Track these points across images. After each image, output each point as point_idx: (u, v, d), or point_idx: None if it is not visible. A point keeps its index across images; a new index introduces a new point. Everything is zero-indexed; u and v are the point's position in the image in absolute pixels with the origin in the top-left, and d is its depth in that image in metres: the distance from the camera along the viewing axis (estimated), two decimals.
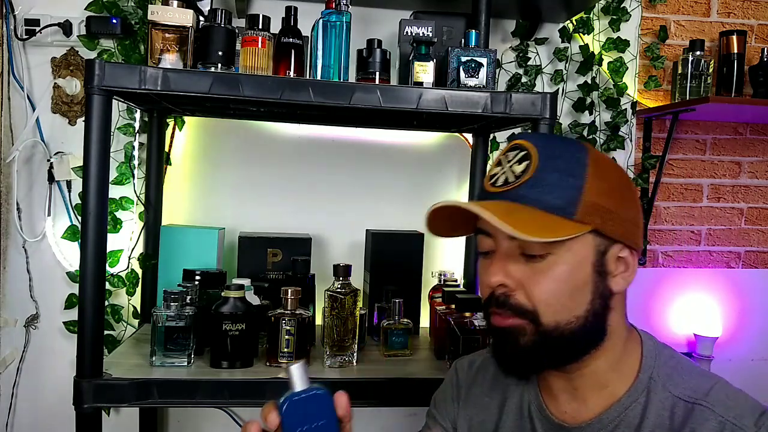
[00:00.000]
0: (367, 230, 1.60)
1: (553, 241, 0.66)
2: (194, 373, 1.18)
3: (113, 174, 1.53)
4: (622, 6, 1.78)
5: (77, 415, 1.10)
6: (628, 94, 1.81)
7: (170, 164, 1.63)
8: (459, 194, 1.75)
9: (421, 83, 1.24)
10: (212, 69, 1.16)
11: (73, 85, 1.58)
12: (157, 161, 1.55)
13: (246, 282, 1.28)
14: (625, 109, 1.80)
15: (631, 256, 0.72)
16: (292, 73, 1.25)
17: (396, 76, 1.37)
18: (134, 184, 1.59)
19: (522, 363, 0.71)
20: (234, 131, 1.66)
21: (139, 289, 1.58)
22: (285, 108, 1.41)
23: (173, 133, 1.63)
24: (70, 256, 1.59)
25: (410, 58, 1.27)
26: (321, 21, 1.24)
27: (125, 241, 1.60)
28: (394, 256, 1.54)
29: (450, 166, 1.75)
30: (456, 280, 1.54)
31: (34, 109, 1.57)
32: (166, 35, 1.14)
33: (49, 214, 1.58)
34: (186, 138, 1.65)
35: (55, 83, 1.58)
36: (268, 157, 1.68)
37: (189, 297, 1.25)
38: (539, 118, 1.19)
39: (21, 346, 1.60)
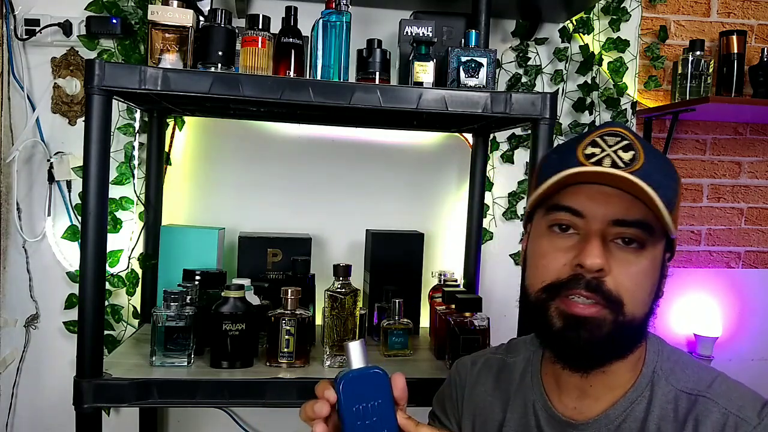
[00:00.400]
0: (367, 230, 1.60)
1: (668, 232, 0.67)
2: (194, 373, 1.18)
3: (113, 174, 1.53)
4: (622, 6, 1.78)
5: (77, 415, 1.10)
6: (628, 94, 1.81)
7: (170, 164, 1.63)
8: (459, 194, 1.75)
9: (421, 83, 1.24)
10: (212, 69, 1.16)
11: (73, 85, 1.58)
12: (157, 161, 1.55)
13: (246, 282, 1.28)
14: (625, 109, 1.80)
15: (668, 267, 0.74)
16: (292, 73, 1.25)
17: (396, 76, 1.37)
18: (134, 184, 1.59)
19: (596, 354, 0.69)
20: (234, 131, 1.66)
21: (139, 289, 1.58)
22: (285, 108, 1.41)
23: (173, 133, 1.63)
24: (70, 256, 1.59)
25: (410, 58, 1.27)
26: (321, 21, 1.24)
27: (125, 241, 1.60)
28: (394, 256, 1.54)
29: (450, 166, 1.75)
30: (456, 280, 1.54)
31: (34, 109, 1.57)
32: (166, 35, 1.14)
33: (49, 214, 1.58)
34: (186, 138, 1.65)
35: (55, 83, 1.58)
36: (268, 157, 1.68)
37: (189, 297, 1.25)
38: (539, 118, 1.19)
39: (21, 346, 1.60)
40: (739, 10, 1.88)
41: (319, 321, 1.39)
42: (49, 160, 1.57)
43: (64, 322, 1.59)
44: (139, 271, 1.59)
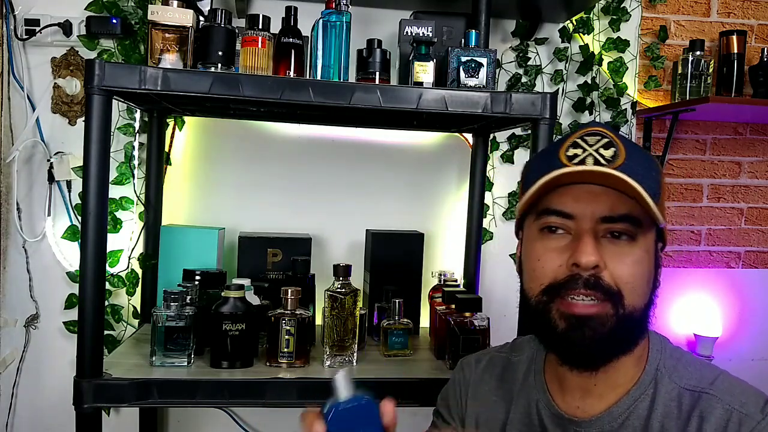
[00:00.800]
0: (367, 230, 1.60)
1: (656, 221, 0.68)
2: (194, 373, 1.18)
3: (113, 174, 1.53)
4: (622, 6, 1.78)
5: (77, 415, 1.10)
6: (628, 94, 1.81)
7: (170, 164, 1.63)
8: (459, 194, 1.75)
9: (421, 83, 1.24)
10: (212, 69, 1.16)
11: (73, 85, 1.58)
12: (157, 161, 1.55)
13: (246, 282, 1.28)
14: (625, 109, 1.80)
15: (662, 257, 0.75)
16: (292, 73, 1.25)
17: (396, 76, 1.37)
18: (134, 184, 1.59)
19: (600, 351, 0.69)
20: (234, 131, 1.66)
21: (139, 289, 1.58)
22: (285, 108, 1.41)
23: (173, 133, 1.63)
24: (70, 256, 1.59)
25: (410, 58, 1.27)
26: (321, 21, 1.24)
27: (125, 241, 1.60)
28: (394, 256, 1.54)
29: (450, 166, 1.75)
30: (456, 280, 1.54)
31: (34, 109, 1.57)
32: (166, 35, 1.14)
33: (49, 214, 1.58)
34: (186, 138, 1.65)
35: (55, 83, 1.58)
36: (268, 157, 1.68)
37: (189, 297, 1.25)
38: (539, 118, 1.19)
39: (21, 346, 1.60)
40: (739, 10, 1.88)
41: (319, 321, 1.39)
42: (49, 160, 1.57)
43: (64, 322, 1.59)
44: (139, 271, 1.59)
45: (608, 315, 0.68)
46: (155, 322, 1.19)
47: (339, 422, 0.60)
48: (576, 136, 0.72)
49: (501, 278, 1.77)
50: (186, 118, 1.63)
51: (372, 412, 0.62)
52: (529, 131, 1.25)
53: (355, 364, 1.27)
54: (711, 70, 1.75)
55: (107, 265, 1.51)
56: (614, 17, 1.78)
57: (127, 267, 1.60)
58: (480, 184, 1.65)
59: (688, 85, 1.73)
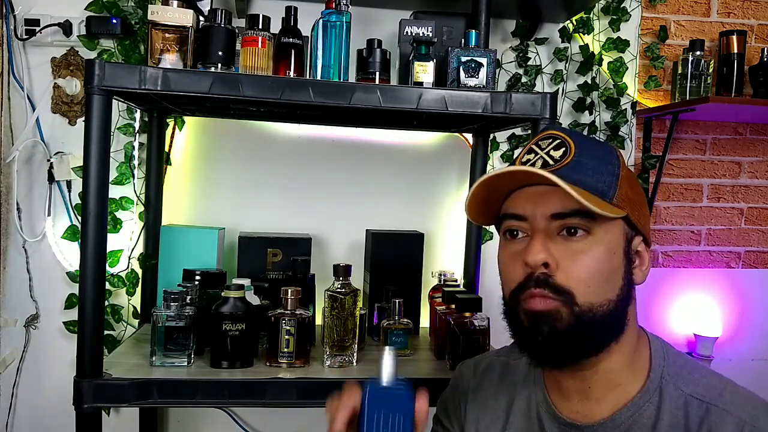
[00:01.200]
0: (367, 230, 1.60)
1: (606, 216, 0.67)
2: (194, 373, 1.18)
3: (113, 174, 1.53)
4: (622, 6, 1.78)
5: (77, 415, 1.10)
6: (628, 94, 1.81)
7: (170, 164, 1.63)
8: (459, 194, 1.75)
9: (421, 83, 1.24)
10: (212, 69, 1.16)
11: (73, 85, 1.58)
12: (157, 161, 1.55)
13: (246, 282, 1.28)
14: (625, 109, 1.80)
15: (646, 251, 0.75)
16: (292, 73, 1.25)
17: (396, 76, 1.37)
18: (134, 184, 1.59)
19: (559, 348, 0.70)
20: (234, 131, 1.66)
21: (139, 289, 1.58)
22: (285, 108, 1.41)
23: (173, 133, 1.63)
24: (70, 256, 1.59)
25: (410, 58, 1.27)
26: (321, 21, 1.24)
27: (125, 241, 1.60)
28: (394, 256, 1.54)
29: (450, 166, 1.75)
30: (456, 280, 1.54)
31: (34, 109, 1.57)
32: (166, 35, 1.14)
33: (49, 214, 1.58)
34: (186, 138, 1.65)
35: (55, 83, 1.58)
36: (268, 157, 1.68)
37: (189, 297, 1.25)
38: (539, 118, 1.19)
39: (21, 346, 1.60)
40: (739, 10, 1.88)
41: (319, 321, 1.39)
42: (49, 160, 1.57)
43: (64, 322, 1.59)
44: (139, 271, 1.59)
45: (561, 311, 0.68)
46: (155, 322, 1.19)
47: (375, 401, 0.63)
48: (532, 142, 0.75)
49: None
50: (186, 118, 1.63)
51: (408, 403, 0.64)
52: (529, 131, 1.25)
53: (355, 364, 1.27)
54: (711, 70, 1.75)
55: (107, 265, 1.51)
56: (614, 17, 1.78)
57: (127, 267, 1.60)
58: None
59: (688, 85, 1.73)
